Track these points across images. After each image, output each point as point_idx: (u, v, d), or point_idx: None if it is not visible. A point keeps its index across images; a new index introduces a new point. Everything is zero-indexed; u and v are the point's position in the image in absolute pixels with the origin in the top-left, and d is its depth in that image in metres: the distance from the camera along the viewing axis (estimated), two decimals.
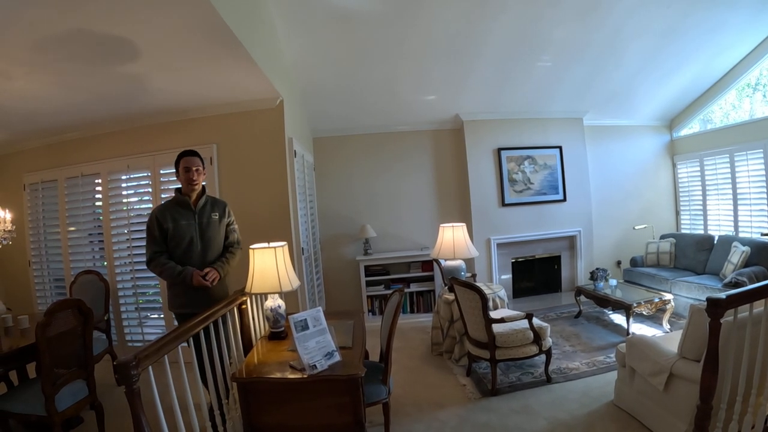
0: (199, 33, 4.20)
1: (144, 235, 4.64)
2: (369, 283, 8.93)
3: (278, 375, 3.52)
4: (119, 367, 2.59)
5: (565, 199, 9.82)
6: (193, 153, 4.69)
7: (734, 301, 3.26)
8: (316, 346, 3.57)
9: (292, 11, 5.99)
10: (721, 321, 3.21)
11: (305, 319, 3.66)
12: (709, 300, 3.22)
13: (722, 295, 3.22)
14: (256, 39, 5.08)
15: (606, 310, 8.24)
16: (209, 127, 6.64)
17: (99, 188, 7.09)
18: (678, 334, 4.34)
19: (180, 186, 4.70)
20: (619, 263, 10.55)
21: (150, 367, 2.88)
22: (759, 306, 3.44)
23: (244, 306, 4.68)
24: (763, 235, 8.27)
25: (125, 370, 2.59)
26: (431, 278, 9.03)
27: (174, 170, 4.74)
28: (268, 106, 6.43)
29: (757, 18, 7.61)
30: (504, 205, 9.51)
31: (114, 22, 3.85)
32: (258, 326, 4.92)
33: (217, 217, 4.76)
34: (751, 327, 3.37)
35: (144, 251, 4.62)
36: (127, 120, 6.72)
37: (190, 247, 4.57)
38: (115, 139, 6.92)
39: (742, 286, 6.12)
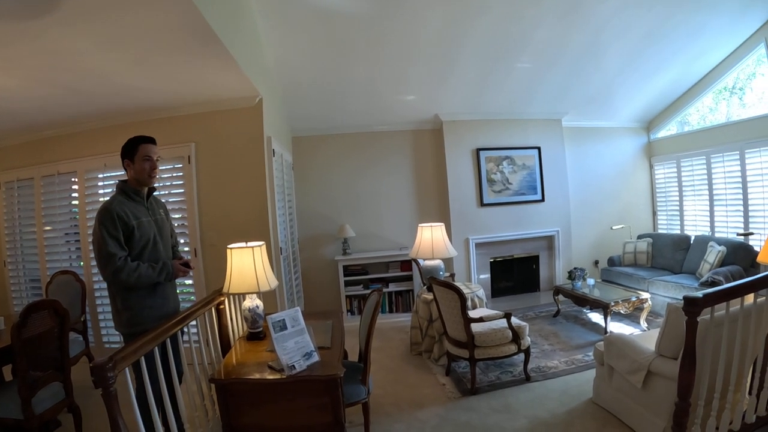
0: (178, 29, 4.15)
1: None
2: (348, 283, 8.90)
3: (257, 376, 3.49)
4: (95, 369, 2.54)
5: (543, 200, 9.88)
6: (153, 141, 4.06)
7: (711, 300, 3.29)
8: (295, 347, 3.53)
9: (273, 9, 5.96)
10: (698, 319, 3.23)
11: (283, 320, 3.62)
12: (687, 299, 3.24)
13: (699, 294, 3.25)
14: (237, 36, 5.04)
15: (584, 309, 8.31)
16: (188, 125, 6.58)
17: (75, 187, 6.99)
18: (655, 333, 4.37)
19: (126, 179, 4.02)
20: (596, 263, 10.62)
21: (127, 369, 2.84)
22: (736, 304, 3.47)
23: (222, 306, 4.61)
24: (739, 235, 8.36)
25: (101, 372, 2.54)
26: (410, 278, 9.02)
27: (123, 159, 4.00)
28: (247, 104, 6.38)
29: (736, 23, 7.72)
30: (483, 205, 9.54)
31: (89, 17, 3.79)
32: (236, 327, 4.87)
33: (164, 214, 4.31)
34: (728, 325, 3.40)
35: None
36: (104, 118, 6.64)
37: (155, 247, 4.00)
38: (92, 137, 6.83)
39: (719, 285, 6.16)
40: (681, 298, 3.34)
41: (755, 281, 3.59)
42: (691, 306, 3.21)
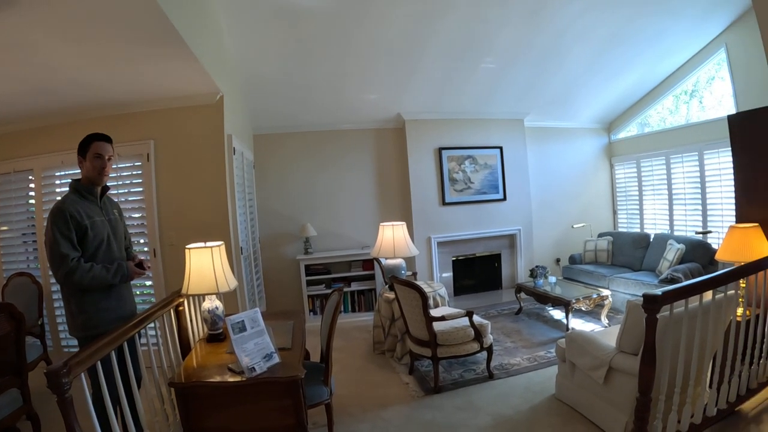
0: (135, 23, 4.04)
1: None
2: (310, 283, 8.84)
3: (218, 378, 3.41)
4: (49, 375, 2.45)
5: (505, 199, 9.95)
6: (107, 138, 3.93)
7: (670, 298, 3.33)
8: (255, 348, 3.48)
9: (235, 4, 5.89)
10: (658, 316, 3.25)
11: (242, 321, 3.55)
12: (646, 296, 3.27)
13: (658, 291, 3.28)
14: (197, 32, 4.96)
15: (546, 307, 8.40)
16: (147, 122, 6.43)
17: (32, 185, 6.77)
18: (616, 329, 4.42)
19: (79, 177, 3.91)
20: (558, 261, 10.74)
21: (83, 374, 2.76)
22: (695, 301, 3.51)
23: (181, 308, 4.50)
24: (697, 233, 8.52)
25: (56, 378, 2.45)
26: (372, 277, 9.00)
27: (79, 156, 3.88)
28: (207, 101, 6.27)
29: (697, 28, 7.84)
30: (445, 204, 9.57)
31: (44, 8, 3.67)
32: (196, 328, 4.77)
33: (117, 214, 4.15)
34: (687, 321, 3.44)
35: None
36: (61, 113, 6.43)
37: (109, 248, 3.88)
38: (49, 133, 6.60)
39: (678, 282, 6.30)
40: (641, 295, 3.37)
41: (713, 279, 3.65)
42: (651, 303, 3.24)
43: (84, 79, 5.28)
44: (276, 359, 3.52)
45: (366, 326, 8.01)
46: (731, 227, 5.02)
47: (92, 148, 3.79)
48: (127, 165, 6.49)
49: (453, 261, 9.96)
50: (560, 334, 6.90)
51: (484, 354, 5.79)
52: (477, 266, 10.29)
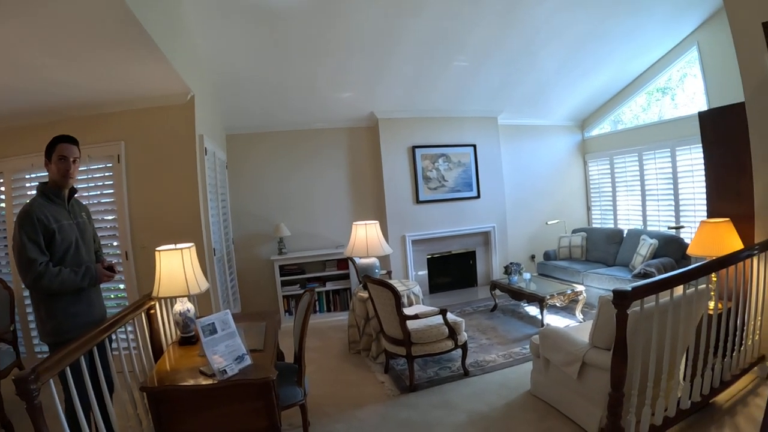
0: (104, 23, 3.96)
1: None
2: (284, 283, 8.82)
3: (191, 382, 3.38)
4: (17, 382, 2.41)
5: (479, 196, 9.99)
6: (72, 140, 3.89)
7: (640, 293, 3.35)
8: (226, 350, 3.45)
9: (207, 4, 5.83)
10: (628, 312, 3.26)
11: (213, 323, 3.54)
12: (616, 292, 3.28)
13: (628, 287, 3.29)
14: (167, 31, 4.90)
15: (521, 303, 8.42)
16: (117, 123, 6.32)
17: (2, 188, 6.62)
18: (590, 324, 4.43)
19: (47, 180, 3.85)
20: (533, 257, 10.81)
21: (51, 380, 2.70)
22: (665, 296, 3.53)
23: (152, 311, 4.44)
24: (670, 228, 8.60)
25: (24, 384, 2.41)
26: (347, 276, 9.01)
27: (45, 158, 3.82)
28: (178, 101, 6.19)
29: (670, 26, 7.94)
30: (419, 202, 9.59)
31: (13, 11, 3.60)
32: (169, 331, 4.72)
33: (86, 217, 4.11)
34: (658, 316, 3.45)
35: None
36: (31, 115, 6.27)
37: (77, 251, 3.82)
38: (18, 136, 6.44)
39: (651, 276, 6.35)
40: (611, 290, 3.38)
41: (683, 274, 3.68)
42: (621, 299, 3.25)
43: (54, 78, 5.17)
44: (248, 361, 3.50)
45: (341, 326, 7.97)
46: (702, 222, 5.07)
47: (57, 150, 3.75)
48: (98, 167, 6.38)
49: (428, 259, 9.97)
50: (535, 330, 6.90)
51: (459, 351, 5.79)
52: (452, 264, 10.31)
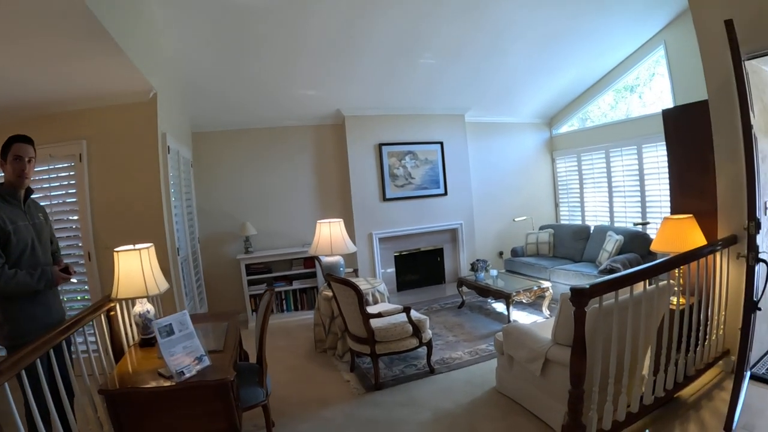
0: (61, 18, 3.85)
1: None
2: (251, 282, 8.75)
3: (152, 384, 3.33)
4: None
5: (446, 193, 10.00)
6: (27, 139, 3.80)
7: (598, 290, 3.36)
8: (184, 352, 3.41)
9: (171, 1, 5.76)
10: (587, 309, 3.28)
11: (170, 324, 3.48)
12: (573, 290, 3.30)
13: (586, 284, 3.32)
14: (128, 27, 4.80)
15: (488, 300, 8.45)
16: (79, 121, 6.19)
17: None
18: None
19: (2, 182, 3.78)
20: (501, 254, 10.85)
21: (6, 384, 2.63)
22: (625, 293, 3.55)
23: (113, 313, 4.36)
24: (635, 224, 8.71)
25: None
26: (314, 275, 8.96)
27: None
28: (140, 99, 6.07)
29: (638, 25, 8.02)
30: (385, 199, 9.56)
31: None
32: (130, 333, 4.63)
33: (43, 218, 4.03)
34: (618, 313, 3.47)
35: None
36: None
37: (33, 253, 3.75)
38: None
39: (617, 272, 6.40)
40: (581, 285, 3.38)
41: (643, 270, 3.73)
42: (578, 296, 3.26)
43: (11, 76, 5.03)
44: (206, 362, 3.46)
45: (308, 324, 7.90)
46: (665, 218, 5.11)
47: (12, 150, 3.67)
48: (61, 166, 6.23)
49: (395, 257, 9.96)
50: (502, 326, 6.93)
51: (425, 349, 5.79)
52: (420, 261, 10.32)
